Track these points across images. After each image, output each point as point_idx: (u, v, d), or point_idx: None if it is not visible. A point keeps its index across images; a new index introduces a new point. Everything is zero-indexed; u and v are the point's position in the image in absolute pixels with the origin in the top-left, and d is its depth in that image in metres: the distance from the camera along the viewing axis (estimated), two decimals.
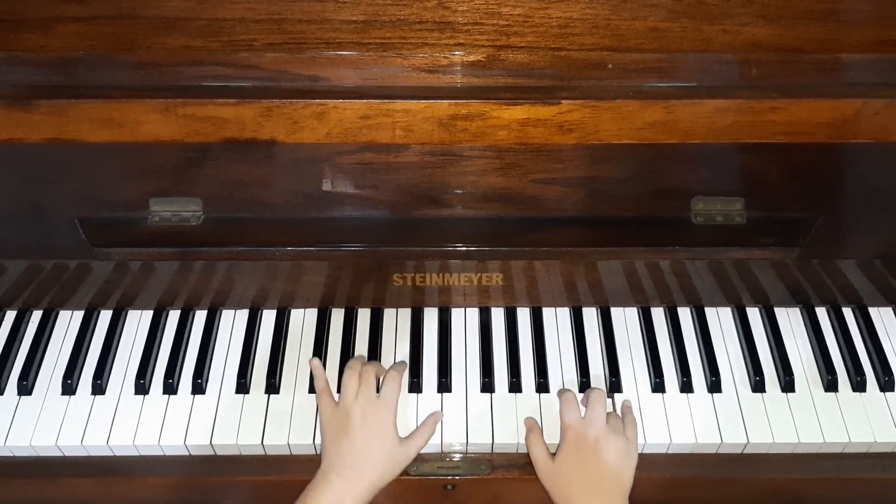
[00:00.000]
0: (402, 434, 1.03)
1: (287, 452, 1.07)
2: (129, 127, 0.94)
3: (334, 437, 1.01)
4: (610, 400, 1.10)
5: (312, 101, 0.93)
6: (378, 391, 1.05)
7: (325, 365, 1.13)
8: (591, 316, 1.19)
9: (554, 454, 1.02)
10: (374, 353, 1.15)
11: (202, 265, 1.12)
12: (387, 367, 1.11)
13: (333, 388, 1.08)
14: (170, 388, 1.11)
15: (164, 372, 1.12)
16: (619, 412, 1.08)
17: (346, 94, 0.94)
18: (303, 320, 1.19)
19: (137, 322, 1.19)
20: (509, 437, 1.06)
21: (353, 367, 1.06)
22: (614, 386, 1.11)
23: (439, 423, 1.07)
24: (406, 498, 1.08)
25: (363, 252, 1.09)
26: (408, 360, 1.14)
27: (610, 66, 0.96)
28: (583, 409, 1.05)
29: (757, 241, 1.07)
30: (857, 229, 1.10)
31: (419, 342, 1.16)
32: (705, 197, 1.06)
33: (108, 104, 0.93)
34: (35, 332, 1.17)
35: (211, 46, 0.95)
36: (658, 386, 1.11)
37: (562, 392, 1.07)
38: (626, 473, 1.00)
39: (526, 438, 1.04)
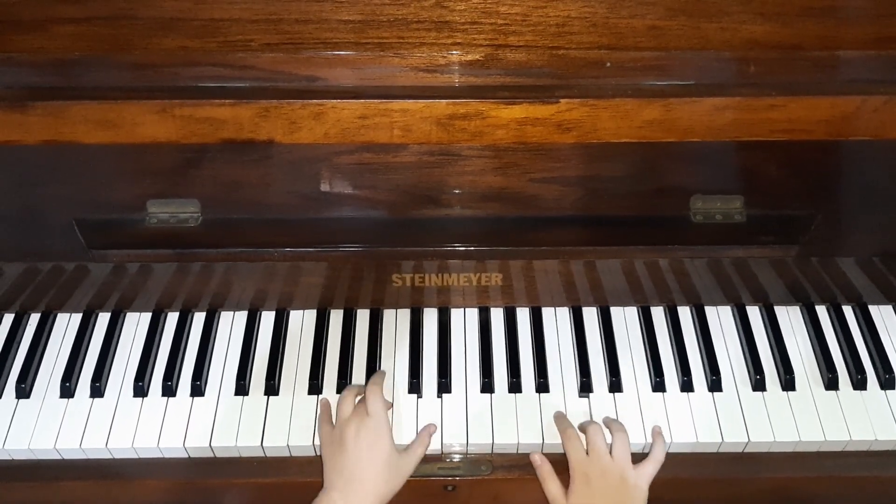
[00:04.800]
0: (399, 441, 1.04)
1: (287, 454, 1.07)
2: (125, 128, 0.94)
3: (332, 456, 1.00)
4: (612, 397, 1.10)
5: (310, 101, 0.93)
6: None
7: (324, 367, 1.14)
8: (590, 315, 1.19)
9: (567, 489, 1.01)
10: (374, 353, 1.14)
11: (200, 266, 1.12)
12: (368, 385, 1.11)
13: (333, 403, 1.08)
14: (169, 390, 1.10)
15: (162, 374, 1.12)
16: (620, 421, 1.07)
17: (344, 94, 0.94)
18: (302, 321, 1.19)
19: (136, 324, 1.18)
20: (509, 438, 1.06)
21: (349, 389, 1.07)
22: (614, 385, 1.11)
23: (439, 426, 1.07)
24: (407, 499, 1.07)
25: (362, 252, 1.08)
26: (407, 361, 1.14)
27: (608, 64, 0.96)
28: (583, 438, 1.04)
29: (756, 239, 1.07)
30: (857, 227, 1.10)
31: (419, 343, 1.16)
32: (704, 195, 1.05)
33: (105, 105, 0.93)
34: (33, 334, 1.17)
35: (207, 47, 0.94)
36: (658, 385, 1.11)
37: (563, 428, 1.05)
38: (638, 500, 1.00)
39: (539, 475, 1.03)
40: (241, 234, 1.06)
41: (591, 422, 1.07)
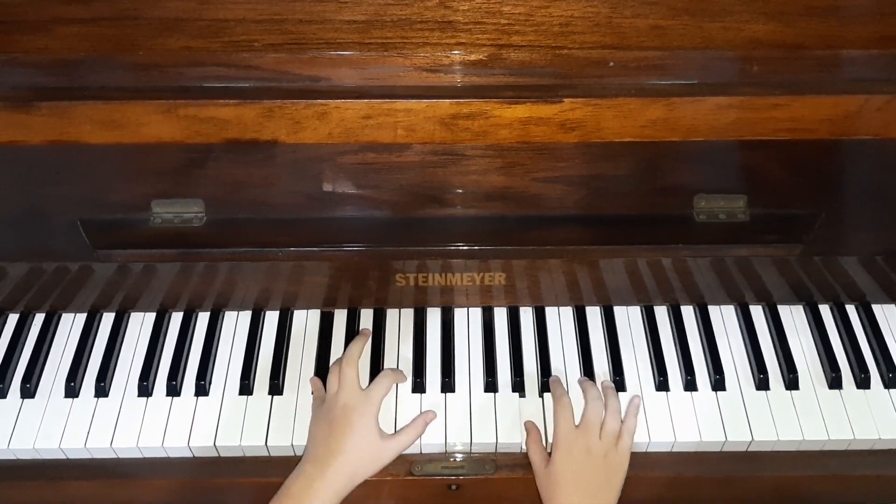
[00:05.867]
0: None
1: (291, 454, 1.07)
2: (130, 128, 0.94)
3: (316, 428, 1.02)
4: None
5: (314, 101, 0.93)
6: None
7: (328, 366, 1.13)
8: (594, 315, 1.19)
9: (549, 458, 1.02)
10: (377, 353, 1.15)
11: (205, 266, 1.12)
12: (385, 369, 1.12)
13: None
14: (173, 389, 1.11)
15: (167, 374, 1.12)
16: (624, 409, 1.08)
17: (348, 94, 0.94)
18: (305, 321, 1.19)
19: (140, 324, 1.19)
20: (513, 437, 1.06)
21: (335, 367, 1.08)
22: (618, 385, 1.11)
23: (443, 424, 1.07)
24: (410, 498, 1.08)
25: (365, 252, 1.08)
26: (411, 360, 1.14)
27: (611, 63, 0.96)
28: (578, 413, 1.05)
29: (760, 238, 1.07)
30: (859, 226, 1.10)
31: (422, 342, 1.16)
32: (708, 194, 1.05)
33: (109, 106, 0.93)
34: (38, 335, 1.17)
35: (212, 47, 0.94)
36: (662, 384, 1.11)
37: (557, 395, 1.07)
38: (615, 483, 1.00)
39: (526, 441, 1.05)
40: (246, 234, 1.06)
41: (593, 389, 1.07)
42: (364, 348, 1.12)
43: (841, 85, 0.96)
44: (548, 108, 0.94)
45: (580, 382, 1.10)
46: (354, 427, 1.00)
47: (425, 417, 1.06)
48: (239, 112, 0.93)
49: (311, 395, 1.09)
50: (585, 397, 1.06)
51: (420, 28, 0.94)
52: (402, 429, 1.05)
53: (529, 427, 1.06)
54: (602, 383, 1.10)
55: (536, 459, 1.02)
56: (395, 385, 1.11)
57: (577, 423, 1.04)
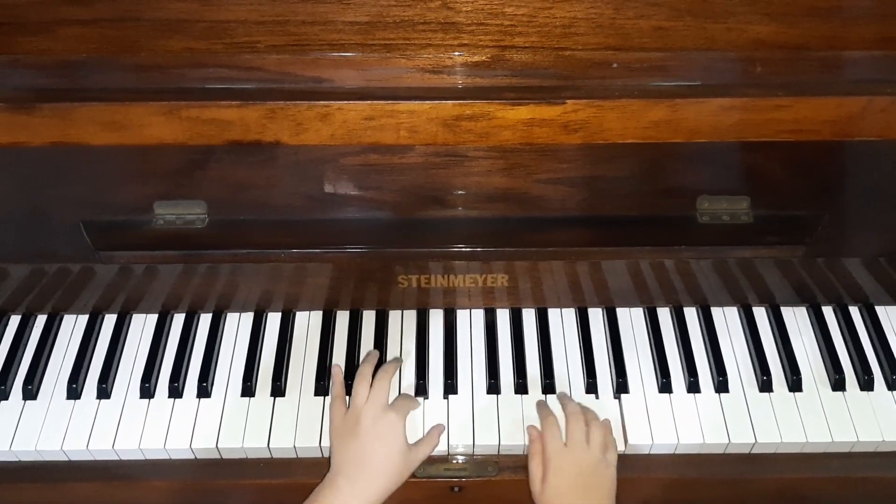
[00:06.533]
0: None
1: (293, 455, 1.07)
2: (132, 130, 0.94)
3: (344, 441, 1.01)
4: (618, 398, 1.10)
5: (316, 102, 0.93)
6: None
7: (330, 368, 1.13)
8: (596, 316, 1.19)
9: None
10: (379, 355, 1.14)
11: (207, 268, 1.12)
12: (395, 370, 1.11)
13: None
14: (175, 391, 1.11)
15: (169, 375, 1.12)
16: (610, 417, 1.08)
17: (351, 96, 0.94)
18: (308, 323, 1.19)
19: (142, 326, 1.19)
20: (516, 439, 1.06)
21: (363, 374, 1.06)
22: (621, 387, 1.11)
23: (445, 427, 1.07)
24: (412, 500, 1.07)
25: (368, 253, 1.08)
26: (414, 362, 1.14)
27: (614, 65, 0.96)
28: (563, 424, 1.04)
29: (763, 239, 1.06)
30: (863, 227, 1.10)
31: (425, 344, 1.16)
32: (711, 196, 1.05)
33: (111, 107, 0.93)
34: (39, 336, 1.17)
35: (214, 48, 0.94)
36: (665, 386, 1.11)
37: (543, 415, 1.06)
38: (609, 495, 1.00)
39: (528, 449, 1.04)
40: (248, 236, 1.06)
41: (572, 405, 1.06)
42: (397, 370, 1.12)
43: (844, 86, 0.96)
44: (550, 110, 0.94)
45: (559, 397, 1.09)
46: (388, 441, 1.00)
47: (438, 429, 1.06)
48: (241, 113, 0.93)
49: (330, 398, 1.08)
50: (564, 413, 1.05)
51: (423, 29, 0.94)
52: (420, 440, 1.04)
53: (533, 436, 1.05)
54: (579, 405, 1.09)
55: (534, 471, 1.02)
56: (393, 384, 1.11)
57: (564, 441, 1.03)
